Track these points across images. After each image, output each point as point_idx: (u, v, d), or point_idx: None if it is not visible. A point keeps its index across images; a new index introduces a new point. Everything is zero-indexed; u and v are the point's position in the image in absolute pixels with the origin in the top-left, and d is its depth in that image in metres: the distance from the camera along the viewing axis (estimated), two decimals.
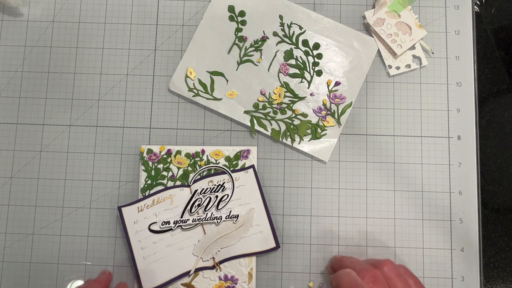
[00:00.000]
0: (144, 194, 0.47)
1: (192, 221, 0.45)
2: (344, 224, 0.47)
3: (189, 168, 0.47)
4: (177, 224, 0.45)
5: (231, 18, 0.50)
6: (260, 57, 0.49)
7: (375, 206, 0.47)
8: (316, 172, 0.48)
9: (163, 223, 0.45)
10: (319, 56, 0.49)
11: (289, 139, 0.48)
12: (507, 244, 0.48)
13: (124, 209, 0.46)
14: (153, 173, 0.47)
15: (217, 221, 0.46)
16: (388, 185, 0.48)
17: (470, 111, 0.49)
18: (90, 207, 0.48)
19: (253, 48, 0.49)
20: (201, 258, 0.45)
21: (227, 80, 0.49)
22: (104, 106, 0.49)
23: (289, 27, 0.49)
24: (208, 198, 0.46)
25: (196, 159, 0.47)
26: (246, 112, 0.48)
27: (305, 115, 0.48)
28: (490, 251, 0.48)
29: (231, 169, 0.47)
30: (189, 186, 0.47)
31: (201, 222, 0.46)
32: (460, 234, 0.47)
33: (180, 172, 0.47)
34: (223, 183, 0.46)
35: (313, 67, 0.49)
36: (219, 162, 0.47)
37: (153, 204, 0.46)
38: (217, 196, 0.46)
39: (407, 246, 0.47)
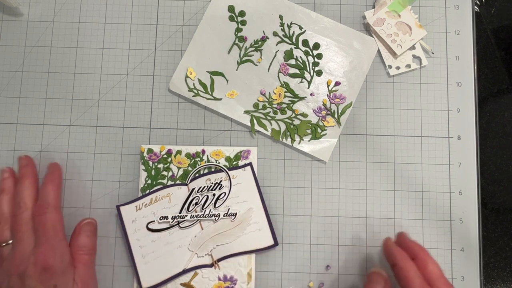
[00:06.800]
0: (144, 193, 0.47)
1: (190, 217, 0.45)
2: (344, 224, 0.47)
3: (189, 168, 0.47)
4: (175, 219, 0.45)
5: (231, 18, 0.50)
6: (260, 57, 0.49)
7: (375, 206, 0.47)
8: (316, 172, 0.48)
9: (161, 218, 0.45)
10: (319, 56, 0.49)
11: (289, 139, 0.48)
12: (507, 244, 0.48)
13: (122, 208, 0.46)
14: (153, 172, 0.47)
15: (215, 218, 0.46)
16: (388, 185, 0.48)
17: (470, 111, 0.49)
18: (90, 207, 0.48)
19: (253, 48, 0.49)
20: (196, 253, 0.45)
21: (227, 80, 0.49)
22: (104, 106, 0.49)
23: (289, 27, 0.49)
24: (206, 196, 0.46)
25: (197, 159, 0.47)
26: (246, 112, 0.48)
27: (305, 115, 0.48)
28: (490, 251, 0.48)
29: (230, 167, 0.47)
30: (186, 184, 0.47)
31: (199, 218, 0.46)
32: (460, 234, 0.47)
33: (180, 172, 0.47)
34: (220, 181, 0.46)
35: (313, 67, 0.49)
36: (219, 162, 0.47)
37: (151, 202, 0.46)
38: (214, 194, 0.46)
39: None
